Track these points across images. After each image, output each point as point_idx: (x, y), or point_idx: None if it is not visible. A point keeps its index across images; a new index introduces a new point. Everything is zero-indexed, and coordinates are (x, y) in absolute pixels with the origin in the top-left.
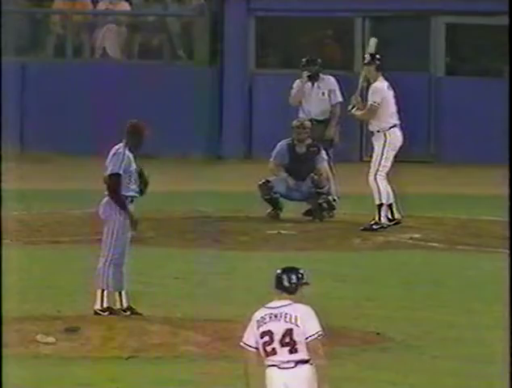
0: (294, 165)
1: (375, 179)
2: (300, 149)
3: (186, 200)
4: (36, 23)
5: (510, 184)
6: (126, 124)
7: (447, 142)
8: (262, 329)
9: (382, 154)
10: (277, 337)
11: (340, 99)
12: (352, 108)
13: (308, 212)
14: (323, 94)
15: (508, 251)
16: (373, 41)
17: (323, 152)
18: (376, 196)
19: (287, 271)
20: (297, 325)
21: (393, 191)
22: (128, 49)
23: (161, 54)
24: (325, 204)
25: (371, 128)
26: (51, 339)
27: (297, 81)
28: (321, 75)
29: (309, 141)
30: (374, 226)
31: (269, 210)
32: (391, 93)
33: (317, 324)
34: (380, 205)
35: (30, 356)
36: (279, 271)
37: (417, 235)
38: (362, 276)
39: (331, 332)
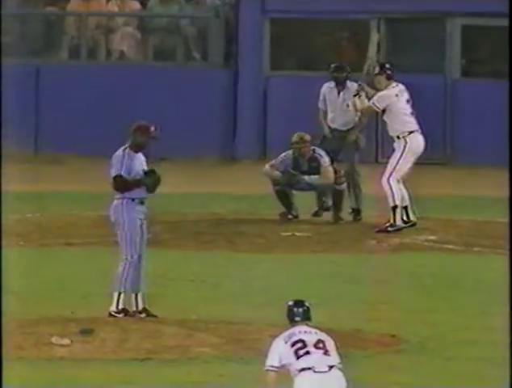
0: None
1: (389, 180)
2: (303, 164)
3: (201, 202)
4: (51, 25)
5: (510, 186)
6: (131, 125)
7: (463, 144)
8: (292, 340)
9: (400, 158)
10: (310, 343)
11: (366, 104)
12: (356, 94)
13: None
14: (347, 105)
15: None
16: (376, 38)
17: (322, 160)
18: (390, 198)
19: (301, 302)
20: (328, 339)
21: (409, 193)
22: (143, 51)
23: (175, 56)
24: (328, 203)
25: (390, 133)
26: (66, 341)
27: (325, 85)
28: (348, 84)
29: (309, 154)
30: (389, 228)
31: (280, 212)
32: (402, 99)
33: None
34: (395, 207)
35: (44, 358)
36: (297, 304)
37: (432, 237)
38: (377, 278)
39: (346, 335)
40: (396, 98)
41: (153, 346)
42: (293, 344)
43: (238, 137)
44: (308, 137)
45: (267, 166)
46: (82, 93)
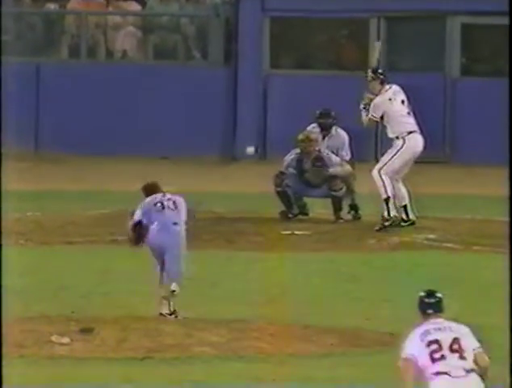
0: (302, 178)
1: (379, 172)
2: (307, 163)
3: (201, 201)
4: (51, 24)
5: (510, 184)
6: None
7: (462, 143)
8: (427, 339)
9: (395, 154)
10: (445, 344)
11: (347, 157)
12: (364, 107)
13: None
14: (332, 152)
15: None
16: (377, 45)
17: (328, 160)
18: (382, 189)
19: (433, 293)
20: (463, 335)
21: (408, 192)
22: (143, 50)
23: (175, 55)
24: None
25: (390, 135)
26: (66, 340)
27: (309, 127)
28: (333, 131)
29: (315, 153)
30: (385, 223)
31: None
32: (395, 102)
33: (475, 339)
34: (387, 199)
35: (44, 356)
36: (429, 295)
37: (432, 236)
38: (377, 277)
39: (345, 333)
40: (389, 102)
41: (152, 345)
42: (428, 344)
43: (238, 135)
44: (313, 137)
45: (277, 175)
46: (83, 92)
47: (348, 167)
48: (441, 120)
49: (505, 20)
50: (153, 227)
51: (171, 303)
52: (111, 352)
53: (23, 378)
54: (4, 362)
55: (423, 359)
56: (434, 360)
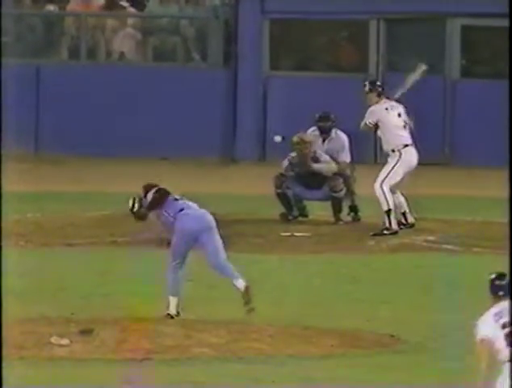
0: (301, 180)
1: (381, 186)
2: (304, 165)
3: (200, 203)
4: (50, 25)
5: (510, 186)
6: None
7: (462, 144)
8: (502, 321)
9: (392, 168)
10: None
11: (346, 159)
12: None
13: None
14: (332, 155)
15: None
16: (423, 68)
17: (323, 158)
18: (384, 202)
19: (504, 275)
20: None
21: (405, 198)
22: (143, 52)
23: (175, 57)
24: (337, 206)
25: (384, 147)
26: (65, 341)
27: (309, 131)
28: (332, 133)
29: (311, 155)
30: (385, 232)
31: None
32: (392, 113)
33: None
34: (389, 211)
35: (44, 358)
36: (500, 277)
37: (431, 237)
38: (376, 279)
39: (345, 334)
40: (386, 111)
41: (152, 346)
42: (503, 326)
43: (238, 137)
44: (308, 138)
45: (277, 178)
46: (83, 93)
47: (334, 166)
48: (441, 121)
49: (505, 22)
50: (185, 212)
51: (249, 300)
52: (110, 353)
53: (22, 380)
54: (4, 364)
55: (498, 341)
56: (508, 344)
